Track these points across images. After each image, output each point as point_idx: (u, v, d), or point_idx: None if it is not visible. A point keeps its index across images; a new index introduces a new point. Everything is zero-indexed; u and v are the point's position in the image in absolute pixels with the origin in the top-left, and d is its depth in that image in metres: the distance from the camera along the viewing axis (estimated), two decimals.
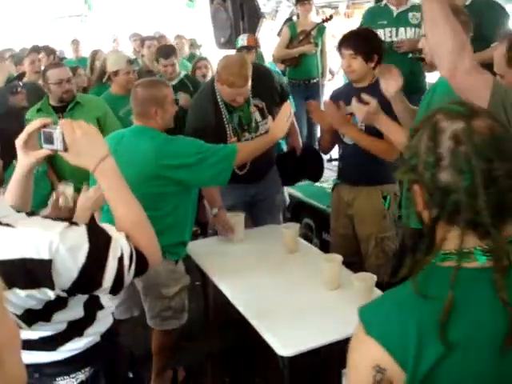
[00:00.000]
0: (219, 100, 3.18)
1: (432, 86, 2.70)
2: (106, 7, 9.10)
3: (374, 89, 2.89)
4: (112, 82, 4.47)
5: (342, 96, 3.16)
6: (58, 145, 1.53)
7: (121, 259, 1.47)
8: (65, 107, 3.83)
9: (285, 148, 4.01)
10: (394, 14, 3.95)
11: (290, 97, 3.67)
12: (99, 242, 1.46)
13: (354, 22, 7.13)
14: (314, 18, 6.19)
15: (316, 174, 3.80)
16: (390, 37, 3.90)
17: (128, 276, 1.51)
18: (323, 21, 5.64)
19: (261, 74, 3.32)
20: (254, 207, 3.56)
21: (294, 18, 8.81)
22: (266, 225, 3.41)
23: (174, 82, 4.70)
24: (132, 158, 2.64)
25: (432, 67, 2.63)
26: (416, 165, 1.08)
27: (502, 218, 1.04)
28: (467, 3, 3.44)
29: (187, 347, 3.36)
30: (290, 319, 2.29)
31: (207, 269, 2.93)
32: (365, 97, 2.70)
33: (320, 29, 5.71)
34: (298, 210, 4.52)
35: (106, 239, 1.47)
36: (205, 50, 7.69)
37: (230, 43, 4.84)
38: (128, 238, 1.51)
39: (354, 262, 3.13)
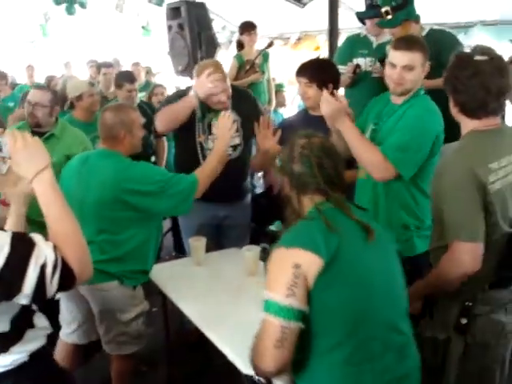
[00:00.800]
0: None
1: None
2: (60, 33, 9.05)
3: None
4: (74, 108, 4.45)
5: (297, 122, 3.31)
6: (5, 152, 1.66)
7: (43, 267, 1.51)
8: (41, 134, 3.47)
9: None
10: (374, 45, 4.09)
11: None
12: (21, 247, 1.51)
13: (303, 53, 7.33)
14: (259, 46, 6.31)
15: None
16: (370, 66, 4.02)
17: (51, 286, 1.53)
18: (265, 47, 5.77)
19: (242, 93, 3.53)
20: (222, 235, 3.59)
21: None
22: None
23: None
24: (94, 180, 2.70)
25: None
26: (282, 165, 1.91)
27: (332, 185, 1.83)
28: (424, 34, 3.63)
29: (148, 372, 3.34)
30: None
31: (168, 292, 2.94)
32: (337, 94, 2.81)
33: (264, 56, 5.83)
34: (255, 235, 4.57)
35: (30, 245, 1.52)
36: (160, 78, 7.76)
37: (187, 70, 4.88)
38: (56, 248, 1.56)
39: None
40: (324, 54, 5.97)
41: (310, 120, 3.21)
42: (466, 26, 5.75)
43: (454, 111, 2.11)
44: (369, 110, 2.98)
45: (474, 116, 2.04)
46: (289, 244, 1.70)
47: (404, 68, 2.63)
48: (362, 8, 4.15)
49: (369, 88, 3.83)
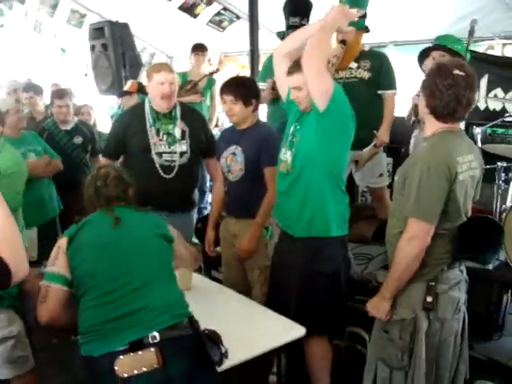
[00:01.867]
0: (146, 109, 3.51)
1: None
2: None
3: (254, 130, 3.31)
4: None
5: (227, 135, 3.50)
6: None
7: None
8: None
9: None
10: None
11: None
12: None
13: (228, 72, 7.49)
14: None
15: None
16: None
17: None
18: (210, 73, 5.88)
19: (191, 108, 3.81)
20: None
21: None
22: None
23: (69, 127, 4.73)
24: None
25: None
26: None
27: (111, 200, 2.42)
28: (367, 49, 4.10)
29: None
30: None
31: None
32: None
33: (210, 81, 5.92)
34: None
35: None
36: (81, 99, 7.65)
37: (111, 89, 4.91)
38: None
39: (244, 291, 3.28)
40: (247, 73, 6.11)
41: (238, 134, 3.37)
42: (380, 46, 6.16)
43: (423, 111, 2.36)
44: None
45: (441, 119, 2.31)
46: (65, 234, 2.34)
47: (295, 89, 2.84)
48: (281, 28, 4.35)
49: None
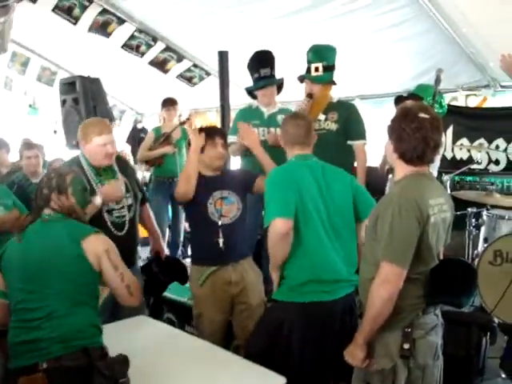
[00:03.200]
0: (85, 166, 3.29)
1: None
2: None
3: (229, 172, 3.50)
4: None
5: (202, 183, 3.38)
6: None
7: None
8: None
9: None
10: (265, 115, 4.32)
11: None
12: None
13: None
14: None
15: (184, 274, 3.72)
16: (264, 135, 4.22)
17: None
18: (181, 123, 5.92)
19: (123, 160, 3.72)
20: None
21: (139, 125, 9.17)
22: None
23: (38, 180, 4.66)
24: None
25: None
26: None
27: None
28: (335, 100, 4.11)
29: None
30: None
31: None
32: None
33: (183, 130, 5.96)
34: (158, 306, 4.50)
35: None
36: (51, 155, 7.60)
37: None
38: None
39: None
40: None
41: (215, 179, 3.36)
42: (348, 99, 6.30)
43: (392, 156, 2.36)
44: None
45: (411, 163, 2.30)
46: None
47: None
48: (248, 84, 4.43)
49: None
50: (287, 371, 2.58)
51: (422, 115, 2.24)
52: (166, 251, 5.14)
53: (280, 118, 4.13)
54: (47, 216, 2.42)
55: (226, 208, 3.29)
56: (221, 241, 3.27)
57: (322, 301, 2.77)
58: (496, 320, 3.63)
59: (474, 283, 2.34)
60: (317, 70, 3.98)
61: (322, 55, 4.02)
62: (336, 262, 2.79)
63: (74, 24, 6.60)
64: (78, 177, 2.58)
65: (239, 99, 5.30)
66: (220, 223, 3.27)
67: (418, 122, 2.22)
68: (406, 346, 2.23)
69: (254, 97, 4.45)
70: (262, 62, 4.26)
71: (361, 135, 4.18)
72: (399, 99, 4.21)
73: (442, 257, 2.38)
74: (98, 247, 2.36)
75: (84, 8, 6.44)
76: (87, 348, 2.23)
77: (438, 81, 3.72)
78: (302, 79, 4.12)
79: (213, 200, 3.28)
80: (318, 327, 2.78)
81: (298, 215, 2.73)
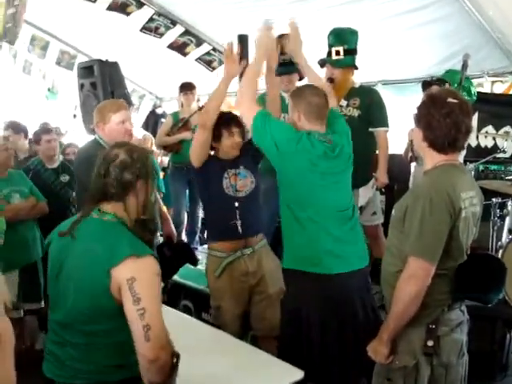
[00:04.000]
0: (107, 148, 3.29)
1: None
2: None
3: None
4: None
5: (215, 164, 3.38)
6: None
7: None
8: None
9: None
10: (287, 101, 4.21)
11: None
12: None
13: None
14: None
15: (194, 256, 3.67)
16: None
17: None
18: (200, 108, 5.84)
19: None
20: None
21: (159, 110, 9.11)
22: None
23: (55, 165, 4.66)
24: None
25: None
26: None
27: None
28: (357, 86, 4.04)
29: None
30: None
31: None
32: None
33: None
34: (175, 293, 4.48)
35: None
36: (67, 138, 7.61)
37: None
38: None
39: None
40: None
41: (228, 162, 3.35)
42: (370, 85, 6.18)
43: (421, 145, 2.26)
44: None
45: (442, 151, 2.21)
46: None
47: None
48: None
49: None
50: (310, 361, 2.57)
51: (451, 100, 2.15)
52: (184, 238, 5.13)
53: None
54: (107, 215, 2.00)
55: (240, 183, 3.28)
56: (238, 215, 3.26)
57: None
58: None
59: (503, 279, 2.25)
60: (338, 53, 3.87)
61: (343, 38, 3.92)
62: None
63: (94, 1, 6.50)
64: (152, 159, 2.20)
65: (261, 82, 5.20)
66: (236, 197, 3.27)
67: (448, 108, 2.14)
68: (430, 344, 2.17)
69: None
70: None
71: (383, 122, 4.10)
72: (426, 84, 4.09)
73: (469, 250, 2.30)
74: (124, 275, 1.85)
75: None
76: None
77: (464, 66, 3.61)
78: (322, 63, 4.02)
79: (228, 175, 3.28)
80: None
81: None
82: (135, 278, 1.81)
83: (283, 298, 3.03)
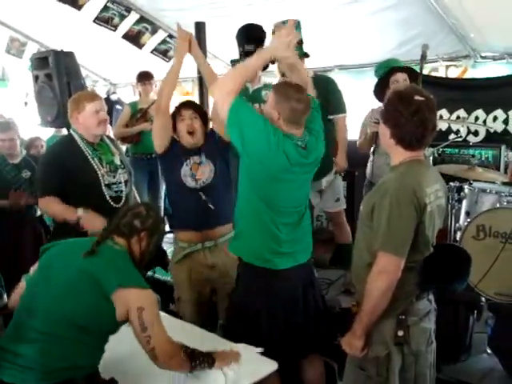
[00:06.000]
0: (79, 142, 3.31)
1: None
2: None
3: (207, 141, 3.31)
4: None
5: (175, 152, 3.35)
6: None
7: None
8: None
9: None
10: (250, 90, 4.19)
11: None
12: None
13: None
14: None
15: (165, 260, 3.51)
16: None
17: None
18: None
19: (111, 138, 3.78)
20: None
21: (113, 96, 8.95)
22: None
23: (17, 161, 4.54)
24: None
25: None
26: None
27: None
28: (311, 75, 3.88)
29: None
30: None
31: None
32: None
33: None
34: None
35: None
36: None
37: (57, 121, 4.72)
38: None
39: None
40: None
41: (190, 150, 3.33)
42: (326, 70, 6.25)
43: (389, 142, 2.29)
44: None
45: (409, 148, 2.25)
46: None
47: None
48: (226, 56, 4.32)
49: None
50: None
51: (418, 98, 2.18)
52: None
53: (264, 93, 4.06)
54: (116, 245, 2.29)
55: (199, 171, 3.27)
56: (196, 206, 3.23)
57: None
58: (483, 298, 3.69)
59: (468, 269, 2.32)
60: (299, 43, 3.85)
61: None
62: None
63: None
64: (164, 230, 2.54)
65: (217, 69, 5.17)
66: (194, 187, 3.25)
67: (415, 105, 2.16)
68: (400, 333, 2.24)
69: None
70: (247, 37, 4.16)
71: (341, 109, 4.19)
72: (382, 82, 4.10)
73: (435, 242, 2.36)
74: (132, 301, 2.12)
75: None
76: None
77: (423, 57, 3.67)
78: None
79: (189, 163, 3.27)
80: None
81: None
82: (143, 307, 2.10)
83: (232, 290, 3.02)
